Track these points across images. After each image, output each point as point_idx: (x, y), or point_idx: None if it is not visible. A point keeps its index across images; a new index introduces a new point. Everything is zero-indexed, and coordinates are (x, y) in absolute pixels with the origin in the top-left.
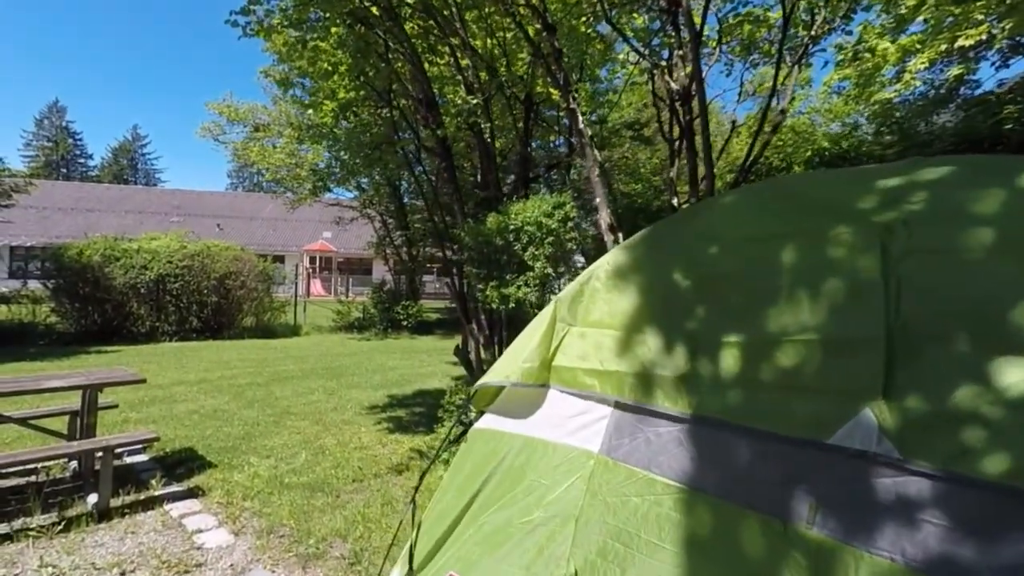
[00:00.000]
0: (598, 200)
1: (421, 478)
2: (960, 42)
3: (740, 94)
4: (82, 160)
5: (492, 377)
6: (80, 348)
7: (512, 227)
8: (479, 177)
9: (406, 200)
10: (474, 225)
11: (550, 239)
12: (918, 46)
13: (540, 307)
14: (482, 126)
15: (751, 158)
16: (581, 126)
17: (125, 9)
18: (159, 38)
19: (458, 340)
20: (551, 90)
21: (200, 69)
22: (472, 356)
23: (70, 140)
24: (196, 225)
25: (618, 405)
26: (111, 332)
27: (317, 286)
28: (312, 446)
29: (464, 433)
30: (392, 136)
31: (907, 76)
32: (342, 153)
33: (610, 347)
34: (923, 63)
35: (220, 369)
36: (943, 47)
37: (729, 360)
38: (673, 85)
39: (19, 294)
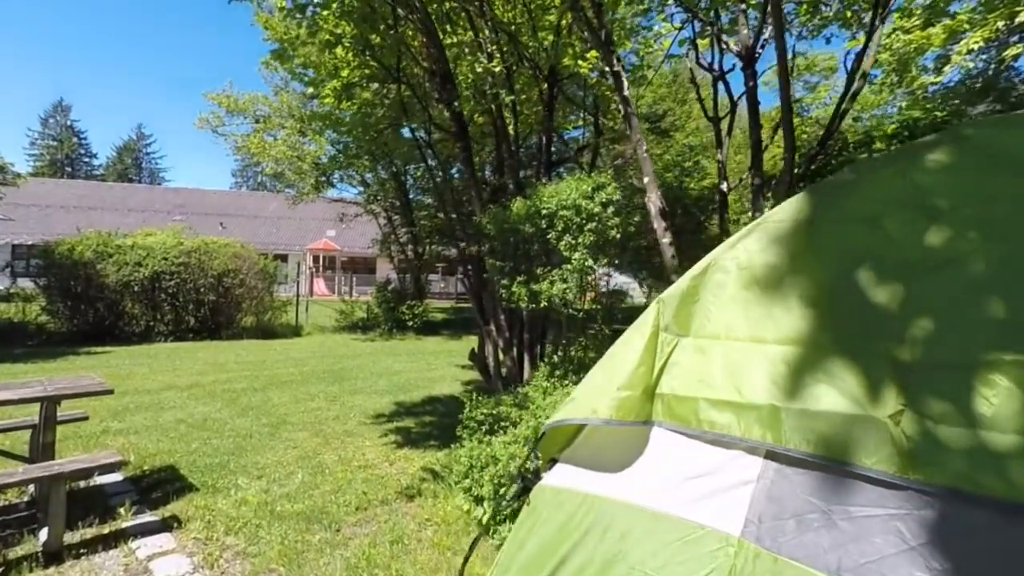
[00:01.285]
0: (646, 180)
1: (469, 550)
2: (1022, 17)
3: (793, 68)
4: (87, 159)
5: (570, 412)
6: (70, 349)
7: (545, 212)
8: (493, 166)
9: (412, 196)
10: (498, 211)
11: (591, 226)
12: (966, 26)
13: (568, 306)
14: (503, 97)
15: (831, 131)
16: (626, 92)
17: (133, 6)
18: (167, 35)
19: (469, 342)
20: (579, 63)
21: (208, 67)
22: (490, 361)
23: (75, 139)
24: (199, 223)
25: (773, 457)
26: (104, 332)
27: (320, 285)
28: (310, 463)
29: (525, 491)
30: (401, 117)
31: (956, 58)
32: (346, 136)
33: (756, 368)
34: (976, 42)
35: (215, 372)
36: (1000, 24)
37: (1001, 397)
38: (732, 47)
39: (9, 292)
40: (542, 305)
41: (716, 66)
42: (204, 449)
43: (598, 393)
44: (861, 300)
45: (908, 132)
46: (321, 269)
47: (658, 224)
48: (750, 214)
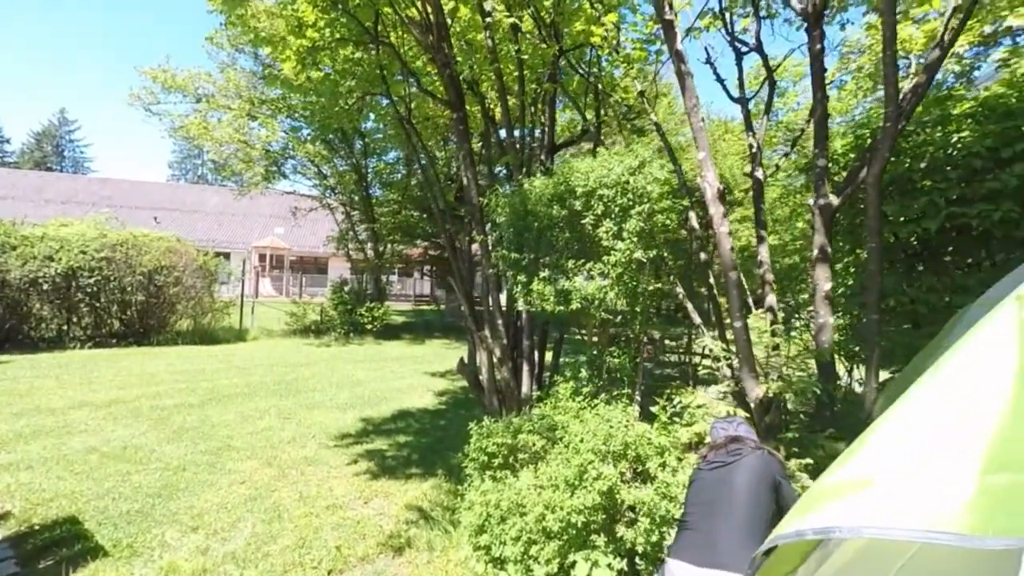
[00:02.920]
0: (701, 156)
1: None
2: (1010, 21)
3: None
4: None
5: (859, 514)
6: None
7: (580, 190)
8: (488, 143)
9: (375, 190)
10: (514, 191)
11: (639, 208)
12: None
13: (607, 309)
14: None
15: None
16: (679, 46)
17: None
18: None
19: (433, 347)
20: (593, 28)
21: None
22: (484, 374)
23: None
24: (130, 217)
25: None
26: (3, 337)
27: (267, 286)
28: (263, 505)
29: None
30: (377, 86)
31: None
32: (308, 120)
33: None
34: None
35: (141, 385)
36: (987, 28)
37: None
38: (796, 4)
39: None
40: (572, 307)
41: (753, 37)
42: (121, 489)
43: (922, 474)
44: None
45: (985, 110)
46: (268, 268)
47: (715, 208)
48: (812, 202)
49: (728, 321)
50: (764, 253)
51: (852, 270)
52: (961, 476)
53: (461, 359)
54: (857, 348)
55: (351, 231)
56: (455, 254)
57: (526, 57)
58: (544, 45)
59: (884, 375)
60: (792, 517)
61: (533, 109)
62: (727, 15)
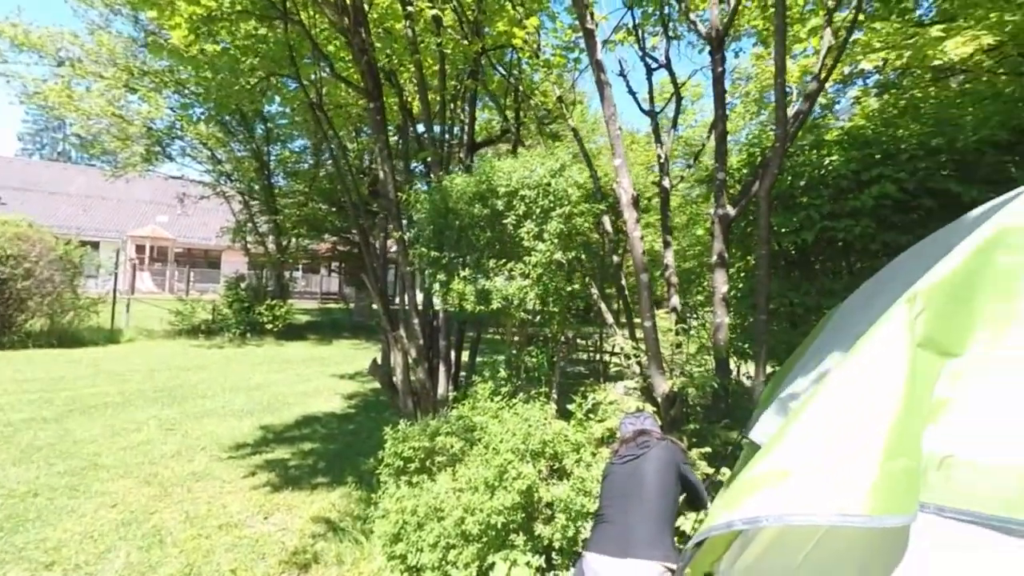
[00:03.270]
0: (617, 163)
1: None
2: (863, 64)
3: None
4: None
5: (775, 504)
6: None
7: (503, 190)
8: (405, 137)
9: (279, 180)
10: (433, 189)
11: (560, 211)
12: (814, 70)
13: (527, 309)
14: (428, 42)
15: (796, 126)
16: (599, 56)
17: None
18: None
19: (342, 348)
20: (515, 30)
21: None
22: (398, 375)
23: None
24: None
25: None
26: None
27: (146, 281)
28: (139, 531)
29: None
30: (285, 66)
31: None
32: (208, 78)
33: None
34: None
35: None
36: (846, 69)
37: None
38: (700, 28)
39: None
40: (493, 307)
41: (663, 55)
42: None
43: (833, 464)
44: None
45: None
46: (148, 261)
47: (629, 213)
48: (712, 211)
49: (638, 320)
50: (669, 257)
51: (743, 275)
52: (866, 464)
53: (374, 360)
54: (747, 345)
55: (250, 222)
56: (368, 250)
57: (448, 52)
58: (466, 42)
59: (768, 369)
60: (721, 509)
61: (453, 106)
62: (640, 31)
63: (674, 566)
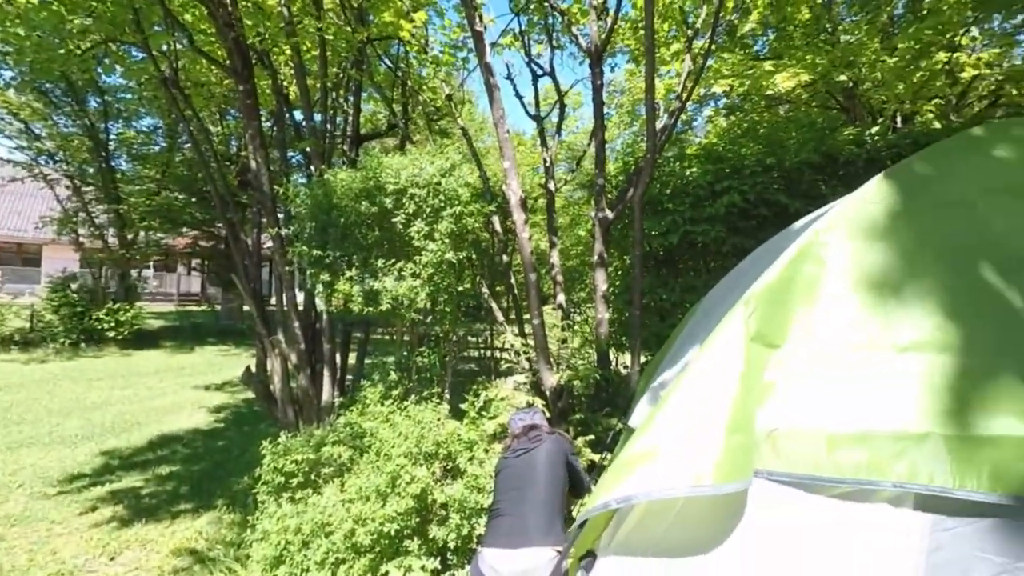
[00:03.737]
0: (506, 165)
1: None
2: (715, 88)
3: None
4: None
5: (646, 482)
6: None
7: (391, 188)
8: (281, 125)
9: (121, 163)
10: (316, 183)
11: (451, 210)
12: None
13: (419, 310)
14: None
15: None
16: (489, 59)
17: None
18: None
19: (206, 355)
20: (402, 22)
21: None
22: (276, 383)
23: None
24: None
25: (931, 507)
26: None
27: None
28: None
29: None
30: (129, 32)
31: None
32: (21, 36)
33: (893, 386)
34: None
35: None
36: (702, 91)
37: None
38: (582, 42)
39: None
40: (382, 308)
41: (547, 63)
42: None
43: (688, 443)
44: (997, 301)
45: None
46: None
47: (518, 215)
48: (592, 214)
49: (527, 317)
50: (555, 257)
51: (619, 273)
52: (712, 441)
53: (247, 368)
54: (624, 338)
55: (83, 212)
56: (238, 247)
57: (330, 38)
58: (349, 28)
59: (642, 359)
60: (599, 491)
61: (335, 95)
62: (525, 38)
63: (562, 548)
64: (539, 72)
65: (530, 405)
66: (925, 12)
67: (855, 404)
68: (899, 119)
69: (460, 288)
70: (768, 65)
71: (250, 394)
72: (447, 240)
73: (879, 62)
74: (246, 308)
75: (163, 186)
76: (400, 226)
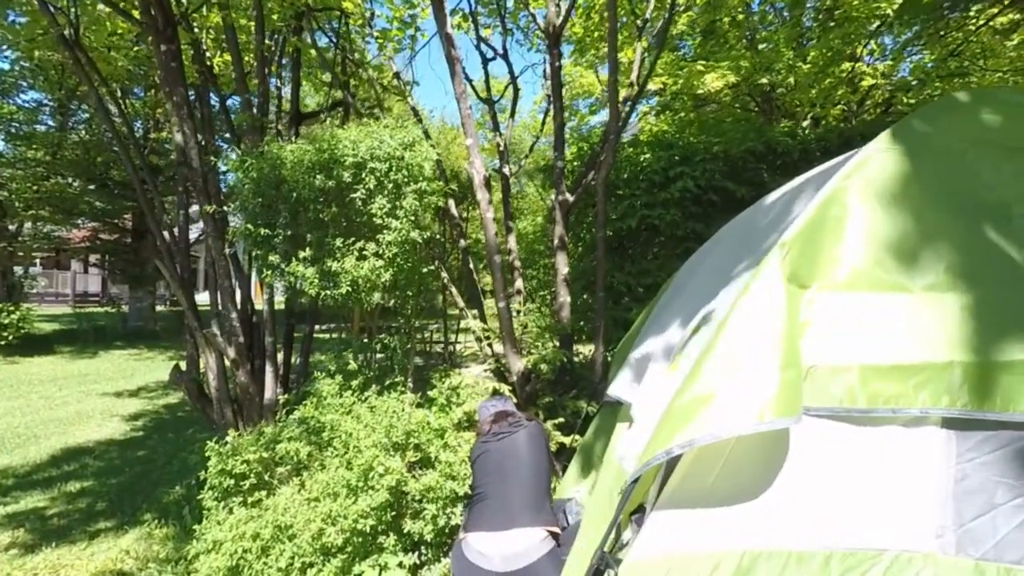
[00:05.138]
0: (469, 143)
1: None
2: (650, 85)
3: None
4: None
5: (709, 423)
6: None
7: (349, 160)
8: (204, 99)
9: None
10: (260, 155)
11: (415, 186)
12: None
13: (381, 292)
14: None
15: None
16: (449, 29)
17: None
18: None
19: (113, 360)
20: None
21: None
22: (211, 382)
23: None
24: None
25: (958, 428)
26: None
27: None
28: None
29: None
30: None
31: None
32: None
33: (921, 319)
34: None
35: None
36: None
37: None
38: (539, 22)
39: None
40: (341, 291)
41: (500, 45)
42: None
43: (745, 383)
44: (993, 245)
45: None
46: None
47: (482, 195)
48: (552, 196)
49: (488, 303)
50: (512, 242)
51: (572, 259)
52: (769, 378)
53: (176, 366)
54: (582, 323)
55: None
56: (160, 231)
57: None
58: None
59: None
60: (654, 444)
61: (269, 68)
62: (474, 19)
63: (557, 529)
64: (489, 55)
65: (496, 392)
66: (833, 24)
67: (884, 339)
68: (808, 122)
69: (424, 270)
70: (699, 65)
71: (171, 399)
72: (412, 217)
73: (794, 68)
74: (159, 308)
75: (53, 171)
76: (360, 202)
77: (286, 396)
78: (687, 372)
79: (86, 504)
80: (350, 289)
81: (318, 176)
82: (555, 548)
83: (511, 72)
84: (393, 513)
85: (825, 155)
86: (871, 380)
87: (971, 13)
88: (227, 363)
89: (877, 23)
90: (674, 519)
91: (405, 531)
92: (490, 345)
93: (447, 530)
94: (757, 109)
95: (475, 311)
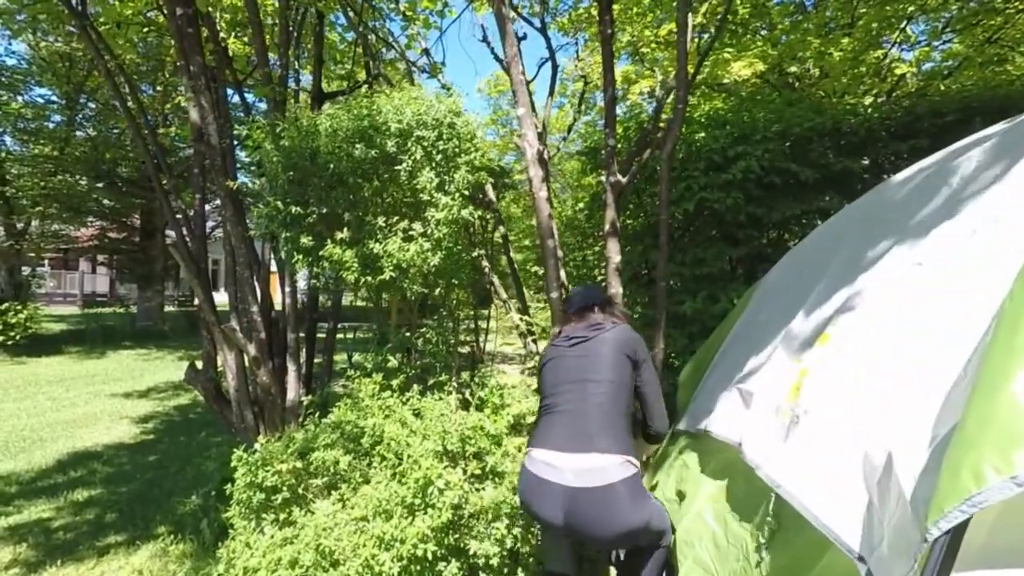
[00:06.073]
0: (521, 112)
1: None
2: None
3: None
4: None
5: None
6: None
7: (394, 127)
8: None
9: (6, 140)
10: (289, 125)
11: (467, 157)
12: (634, 75)
13: (426, 279)
14: None
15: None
16: None
17: None
18: None
19: (121, 360)
20: None
21: None
22: (230, 382)
23: None
24: None
25: None
26: None
27: None
28: None
29: None
30: None
31: (631, 98)
32: None
33: None
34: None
35: None
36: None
37: None
38: None
39: None
40: (384, 277)
41: (538, 20)
42: None
43: None
44: None
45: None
46: None
47: (535, 171)
48: (603, 178)
49: (534, 296)
50: (554, 229)
51: (624, 245)
52: None
53: (191, 365)
54: (634, 315)
55: None
56: (173, 215)
57: None
58: None
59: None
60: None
61: (296, 37)
62: None
63: (635, 459)
64: (521, 34)
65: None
66: (866, 10)
67: None
68: (871, 99)
69: (475, 254)
70: (727, 52)
71: (182, 399)
72: (464, 192)
73: (826, 55)
74: (168, 308)
75: (61, 167)
76: (405, 175)
77: (311, 397)
78: (977, 375)
79: (94, 515)
80: (394, 275)
81: (358, 146)
82: (637, 475)
83: (549, 47)
84: (455, 535)
85: (889, 134)
86: None
87: None
88: (247, 361)
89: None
90: None
91: (470, 553)
92: (535, 341)
93: (516, 552)
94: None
95: (517, 304)
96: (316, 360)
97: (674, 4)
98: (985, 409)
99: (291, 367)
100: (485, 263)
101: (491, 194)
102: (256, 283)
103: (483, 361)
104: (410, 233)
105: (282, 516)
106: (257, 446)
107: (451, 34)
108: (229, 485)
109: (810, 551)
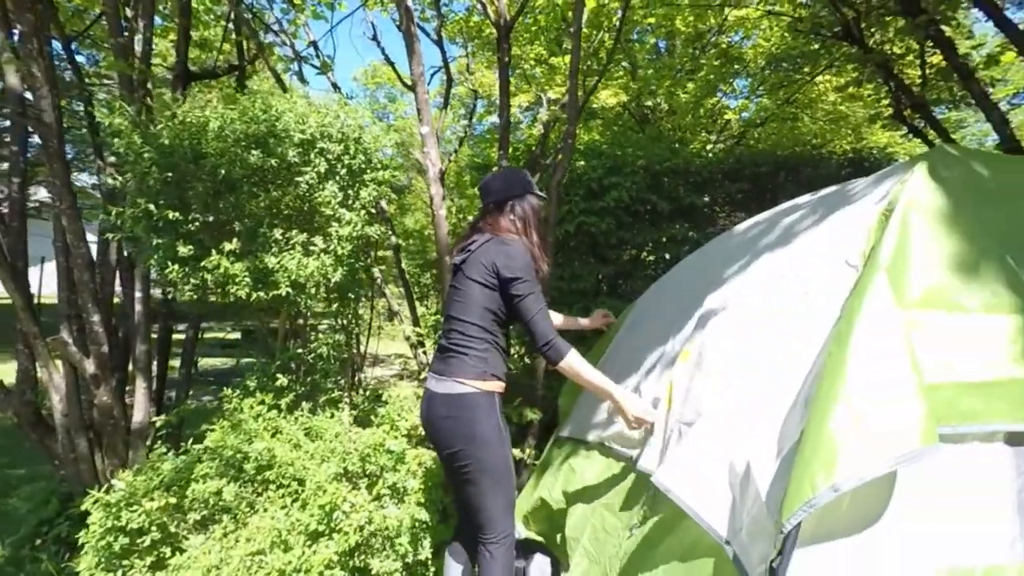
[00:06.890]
0: (424, 131)
1: None
2: (549, 94)
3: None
4: None
5: (867, 463)
6: None
7: (296, 136)
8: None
9: None
10: (167, 120)
11: (374, 174)
12: (513, 89)
13: (319, 294)
14: None
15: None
16: (410, 1)
17: None
18: None
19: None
20: None
21: None
22: (56, 404)
23: None
24: None
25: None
26: None
27: None
28: None
29: None
30: None
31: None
32: None
33: (986, 340)
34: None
35: None
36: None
37: None
38: (491, 16)
39: None
40: (281, 293)
41: (435, 32)
42: None
43: (890, 416)
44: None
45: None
46: None
47: (436, 189)
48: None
49: (420, 308)
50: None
51: None
52: (913, 403)
53: None
54: None
55: None
56: None
57: None
58: None
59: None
60: (806, 484)
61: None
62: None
63: (484, 385)
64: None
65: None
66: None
67: (964, 356)
68: (711, 145)
69: (375, 270)
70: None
71: None
72: (369, 210)
73: (674, 95)
74: (13, 298)
75: None
76: (305, 187)
77: (163, 417)
78: (810, 407)
79: None
80: (290, 291)
81: (254, 152)
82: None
83: (444, 60)
84: (361, 556)
85: (724, 176)
86: (963, 397)
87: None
88: (86, 378)
89: (738, 66)
90: (816, 556)
91: (372, 573)
92: (425, 353)
93: (417, 564)
94: (635, 129)
95: (409, 315)
96: (171, 370)
97: (560, 33)
98: (815, 438)
99: (140, 383)
100: (378, 274)
101: (386, 208)
102: (97, 288)
103: (362, 368)
104: (311, 248)
105: (149, 560)
106: (119, 483)
107: (342, 28)
108: (66, 530)
109: (672, 519)
